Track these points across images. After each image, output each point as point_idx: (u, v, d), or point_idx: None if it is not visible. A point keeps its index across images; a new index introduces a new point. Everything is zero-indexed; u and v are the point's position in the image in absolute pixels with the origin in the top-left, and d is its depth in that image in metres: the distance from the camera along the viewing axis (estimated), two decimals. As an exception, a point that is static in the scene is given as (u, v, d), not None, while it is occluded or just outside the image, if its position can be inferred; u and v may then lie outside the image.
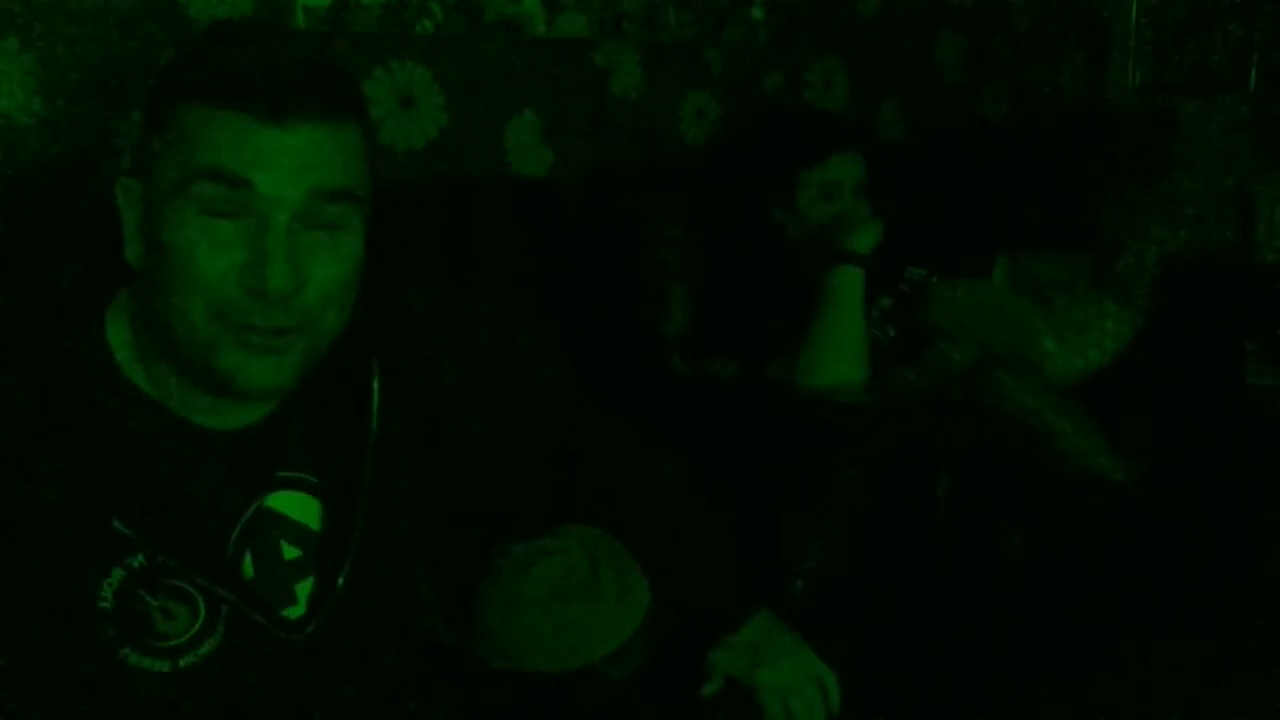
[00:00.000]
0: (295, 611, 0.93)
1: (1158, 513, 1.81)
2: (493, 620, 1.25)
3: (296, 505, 0.93)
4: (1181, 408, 2.06)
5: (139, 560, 0.85)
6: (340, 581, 0.93)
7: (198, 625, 0.88)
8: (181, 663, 0.87)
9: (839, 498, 1.60)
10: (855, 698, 1.16)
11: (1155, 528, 1.80)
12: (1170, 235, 2.60)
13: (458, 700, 1.13)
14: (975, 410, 1.82)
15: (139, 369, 0.88)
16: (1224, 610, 1.75)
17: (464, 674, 1.25)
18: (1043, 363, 2.03)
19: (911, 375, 1.95)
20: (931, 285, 2.08)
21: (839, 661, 1.16)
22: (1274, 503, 1.90)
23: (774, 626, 1.17)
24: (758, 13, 2.36)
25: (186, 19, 1.58)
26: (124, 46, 1.52)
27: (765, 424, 1.76)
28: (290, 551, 0.93)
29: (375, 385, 0.97)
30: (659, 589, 1.27)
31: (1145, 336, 2.14)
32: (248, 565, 0.91)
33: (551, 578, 1.26)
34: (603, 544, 1.29)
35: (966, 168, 2.61)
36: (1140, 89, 3.31)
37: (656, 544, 1.20)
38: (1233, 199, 3.16)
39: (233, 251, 0.81)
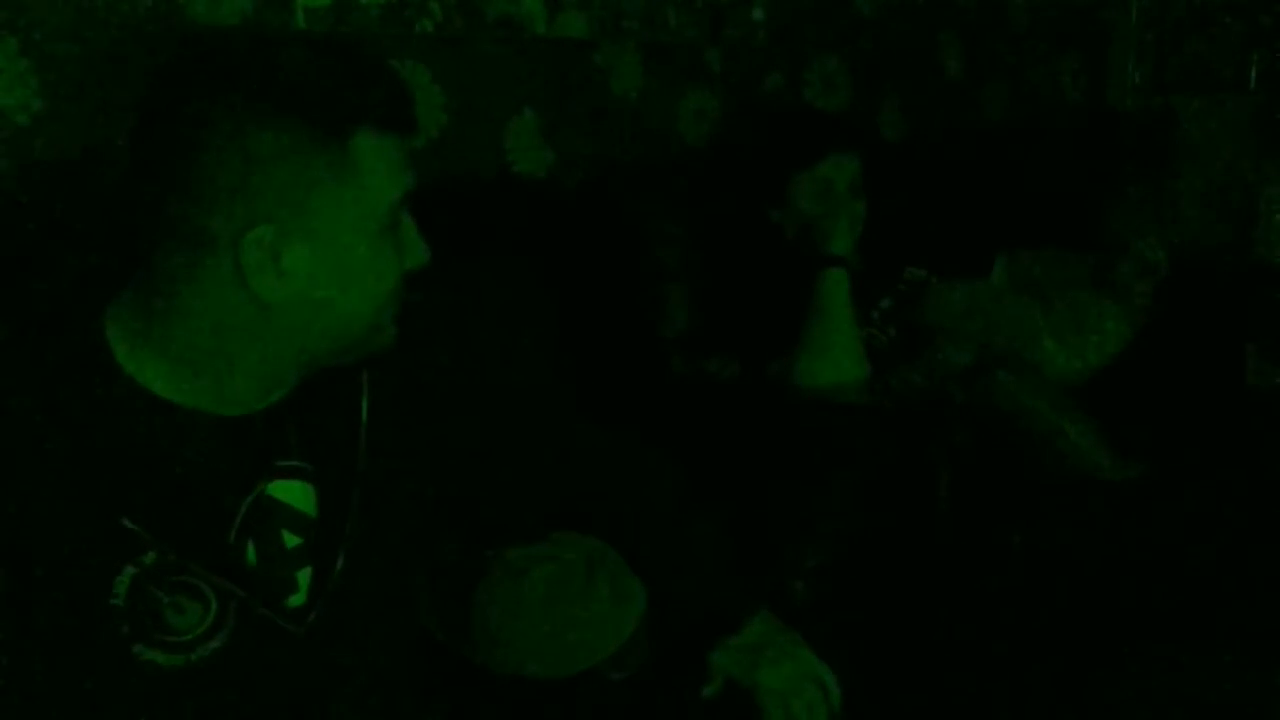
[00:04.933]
0: (298, 600, 0.93)
1: (1158, 513, 1.81)
2: (489, 625, 1.25)
3: (296, 493, 0.94)
4: (1181, 408, 2.06)
5: (150, 557, 0.86)
6: (338, 566, 0.94)
7: (209, 619, 0.88)
8: (193, 657, 0.88)
9: (838, 498, 1.60)
10: (856, 698, 1.16)
11: (1155, 528, 1.80)
12: (1170, 235, 2.59)
13: (458, 701, 1.13)
14: (975, 410, 1.82)
15: (141, 366, 0.88)
16: (1224, 610, 1.75)
17: (463, 674, 1.25)
18: (1043, 363, 2.03)
19: (911, 375, 1.95)
20: (931, 285, 2.08)
21: (839, 661, 1.16)
22: (1274, 503, 1.90)
23: (774, 627, 1.17)
24: (758, 13, 2.36)
25: (187, 19, 1.58)
26: (124, 46, 1.52)
27: (764, 424, 1.76)
28: (291, 539, 0.94)
29: (364, 377, 0.98)
30: (659, 591, 1.27)
31: (1145, 336, 2.14)
32: (250, 554, 0.92)
33: (548, 581, 1.26)
34: (597, 549, 1.29)
35: (966, 168, 2.61)
36: (1140, 89, 3.31)
37: (656, 545, 1.20)
38: (1233, 199, 3.16)
39: (399, 250, 0.90)
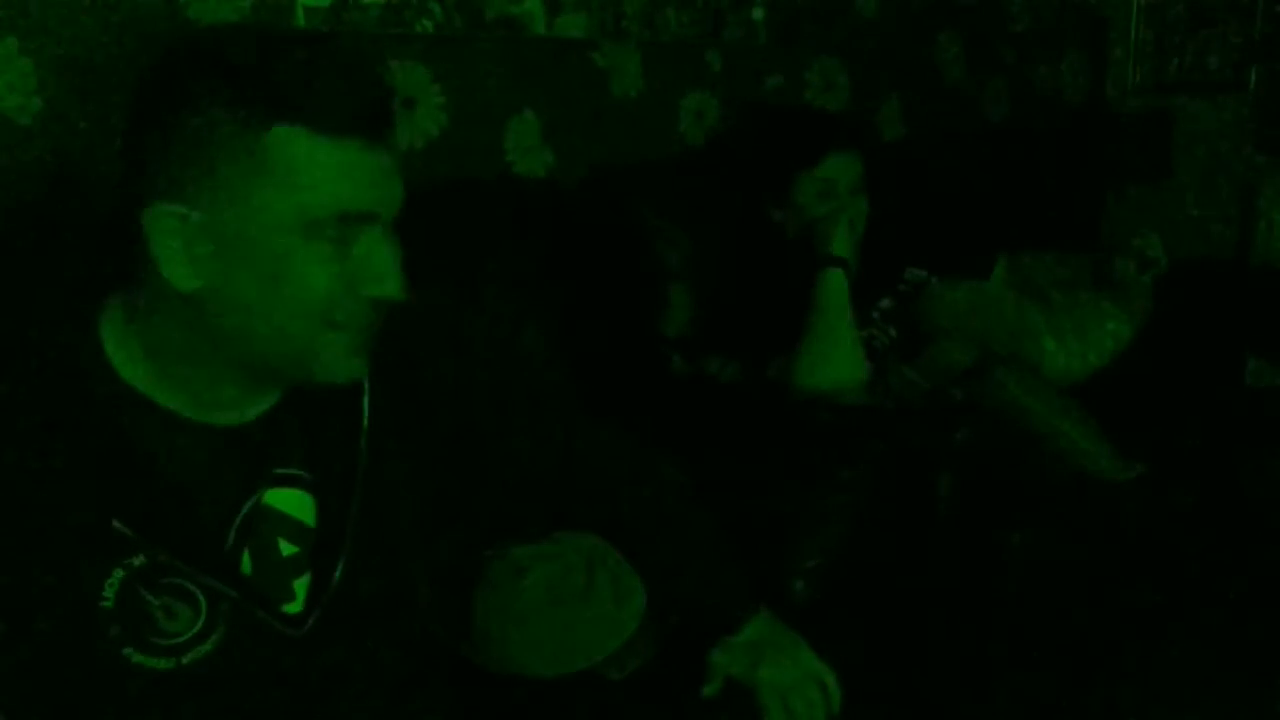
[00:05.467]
0: (294, 607, 0.93)
1: (1158, 513, 1.81)
2: (490, 626, 1.25)
3: (293, 502, 0.94)
4: (1181, 408, 2.06)
5: (140, 559, 0.85)
6: (336, 576, 0.94)
7: (199, 623, 0.88)
8: (184, 660, 0.87)
9: (839, 497, 1.60)
10: (855, 697, 1.16)
11: (1155, 528, 1.80)
12: (1170, 235, 2.60)
13: (457, 700, 1.13)
14: (975, 410, 1.82)
15: (134, 370, 0.88)
16: (1224, 610, 1.75)
17: (463, 674, 1.25)
18: (1043, 363, 2.03)
19: (911, 375, 1.95)
20: (932, 285, 2.08)
21: (839, 661, 1.16)
22: (1274, 503, 1.90)
23: (774, 627, 1.17)
24: (758, 13, 2.36)
25: (186, 19, 1.58)
26: (124, 46, 1.52)
27: (765, 424, 1.76)
28: (288, 548, 0.93)
29: (365, 383, 0.97)
30: (659, 590, 1.27)
31: (1145, 337, 2.14)
32: (246, 562, 0.91)
33: (548, 582, 1.26)
34: (598, 548, 1.29)
35: (966, 168, 2.61)
36: (1140, 89, 3.31)
37: (656, 545, 1.21)
38: (1233, 199, 3.16)
39: (348, 267, 0.84)
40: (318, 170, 0.80)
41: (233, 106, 0.79)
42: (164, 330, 0.87)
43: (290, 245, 0.81)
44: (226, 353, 0.87)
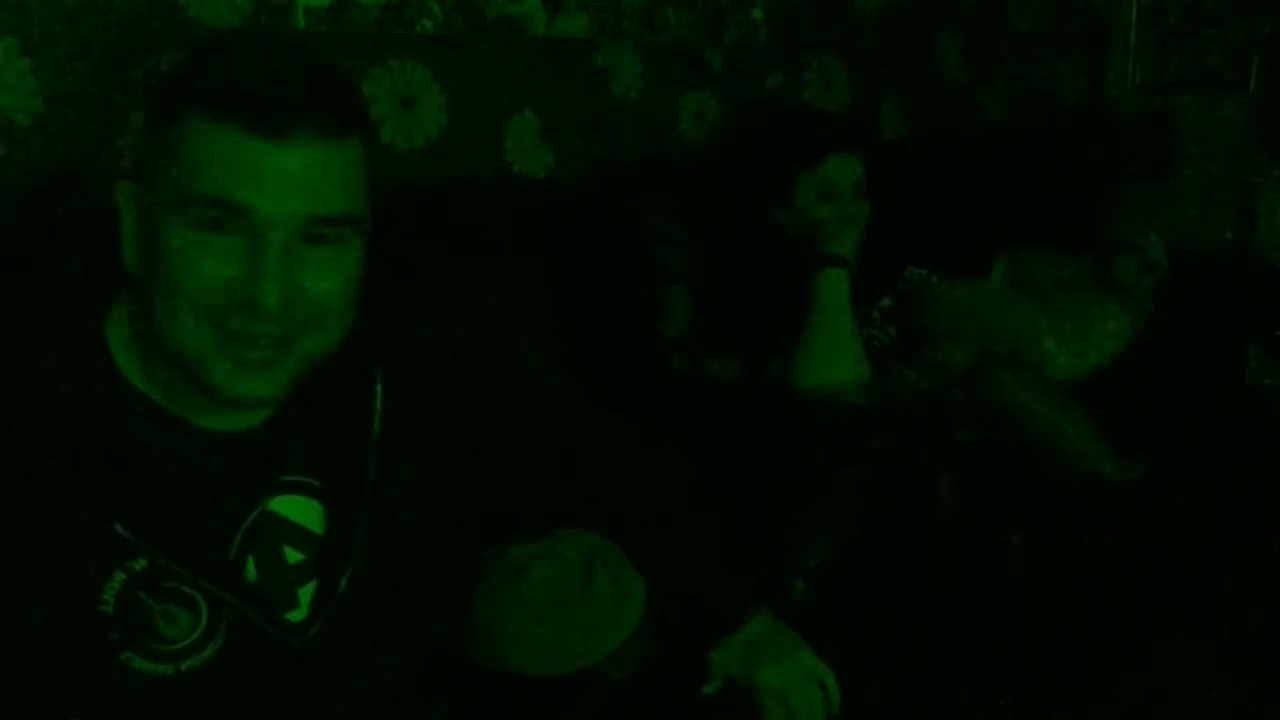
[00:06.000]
0: (298, 615, 0.93)
1: (1158, 513, 1.81)
2: (490, 624, 1.25)
3: (300, 509, 0.93)
4: (1181, 408, 2.06)
5: (141, 563, 0.85)
6: (342, 585, 0.93)
7: (200, 629, 0.87)
8: (183, 666, 0.87)
9: (839, 498, 1.60)
10: (855, 697, 1.16)
11: (1155, 528, 1.80)
12: (1170, 235, 2.60)
13: (458, 701, 1.13)
14: (975, 410, 1.82)
15: (139, 371, 0.88)
16: (1224, 610, 1.75)
17: (464, 675, 1.25)
18: (1043, 363, 2.03)
19: (912, 375, 1.95)
20: (932, 285, 2.08)
21: (839, 661, 1.16)
22: (1274, 503, 1.90)
23: (774, 626, 1.17)
24: (758, 13, 2.36)
25: (187, 19, 1.58)
26: (124, 46, 1.52)
27: (765, 424, 1.76)
28: (293, 555, 0.93)
29: (379, 389, 0.97)
30: (659, 589, 1.27)
31: (1145, 336, 2.14)
32: (250, 568, 0.91)
33: (548, 581, 1.26)
34: (599, 546, 1.29)
35: (966, 168, 2.61)
36: (1140, 89, 3.32)
37: (657, 544, 1.20)
38: (1233, 199, 3.17)
39: (227, 264, 0.81)
40: (198, 150, 0.80)
41: (170, 91, 0.83)
42: (143, 327, 0.87)
43: (169, 223, 0.81)
44: (167, 354, 0.85)
